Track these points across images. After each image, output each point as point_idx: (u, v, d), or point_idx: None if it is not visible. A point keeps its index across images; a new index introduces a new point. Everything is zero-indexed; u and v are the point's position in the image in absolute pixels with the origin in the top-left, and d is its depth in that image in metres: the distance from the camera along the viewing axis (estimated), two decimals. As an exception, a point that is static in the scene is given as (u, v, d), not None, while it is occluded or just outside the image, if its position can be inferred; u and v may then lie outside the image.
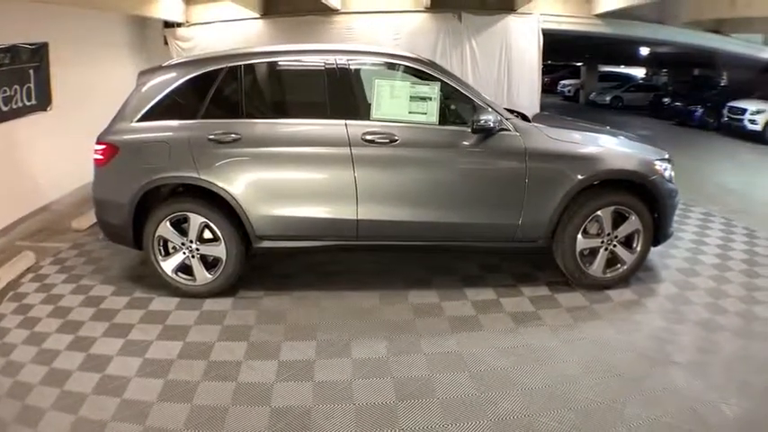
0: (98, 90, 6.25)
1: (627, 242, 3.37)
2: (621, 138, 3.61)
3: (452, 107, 3.42)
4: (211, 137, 3.20)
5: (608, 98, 18.98)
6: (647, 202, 3.30)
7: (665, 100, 15.77)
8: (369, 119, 3.19)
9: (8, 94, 4.79)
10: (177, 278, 3.38)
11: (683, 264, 3.88)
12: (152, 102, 3.30)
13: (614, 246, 3.35)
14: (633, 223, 3.31)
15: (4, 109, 4.74)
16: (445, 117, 3.27)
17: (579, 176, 3.14)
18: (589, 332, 2.94)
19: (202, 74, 3.33)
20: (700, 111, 13.61)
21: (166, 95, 3.30)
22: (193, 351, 2.80)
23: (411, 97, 3.17)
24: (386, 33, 8.32)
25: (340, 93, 3.26)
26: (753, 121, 10.93)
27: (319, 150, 3.22)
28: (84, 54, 5.98)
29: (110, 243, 4.10)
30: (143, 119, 3.29)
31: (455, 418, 2.23)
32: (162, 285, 3.42)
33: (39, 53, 5.16)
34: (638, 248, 3.37)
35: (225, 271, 3.32)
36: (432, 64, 3.51)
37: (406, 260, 3.84)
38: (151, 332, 3.00)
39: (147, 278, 3.59)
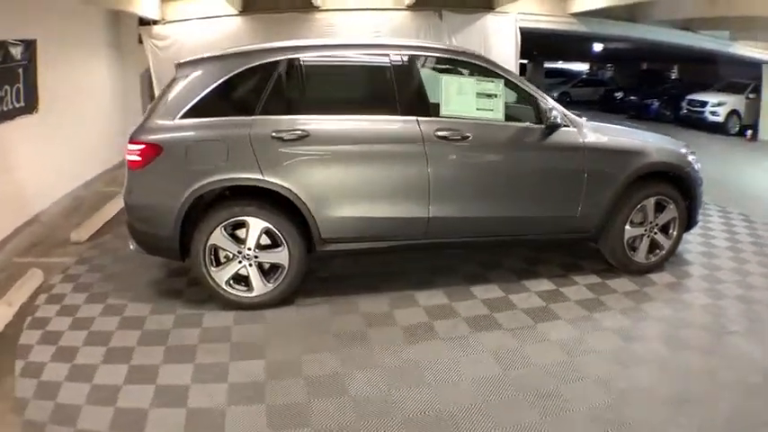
0: (80, 91, 6.18)
1: (663, 229, 3.92)
2: (653, 133, 4.16)
3: (512, 104, 3.66)
4: (275, 134, 3.16)
5: (555, 94, 20.38)
6: (681, 192, 3.86)
7: (618, 94, 17.24)
8: (438, 115, 3.35)
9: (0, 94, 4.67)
10: (232, 290, 3.31)
11: (700, 248, 4.51)
12: (198, 96, 3.18)
13: (655, 233, 3.88)
14: (671, 211, 3.84)
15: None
16: (507, 113, 3.48)
17: (630, 169, 3.62)
18: (652, 312, 3.42)
19: (258, 66, 3.27)
20: (656, 104, 15.06)
21: (216, 89, 3.20)
22: (283, 370, 2.73)
23: (477, 94, 3.39)
24: (367, 31, 8.66)
25: (408, 89, 3.39)
26: (714, 113, 12.30)
27: (392, 148, 3.31)
28: (65, 53, 5.89)
29: (121, 256, 4.15)
30: (188, 115, 3.17)
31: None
32: (204, 300, 3.41)
33: (27, 51, 5.03)
34: (675, 234, 3.93)
35: (287, 278, 3.30)
36: (492, 61, 3.67)
37: (461, 257, 4.18)
38: (221, 353, 2.90)
39: (185, 292, 3.59)
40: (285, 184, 3.16)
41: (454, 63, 3.62)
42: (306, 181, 3.20)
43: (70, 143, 5.89)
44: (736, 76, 13.63)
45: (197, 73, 3.24)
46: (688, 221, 3.97)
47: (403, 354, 2.90)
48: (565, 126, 3.52)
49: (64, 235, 4.79)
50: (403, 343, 3.01)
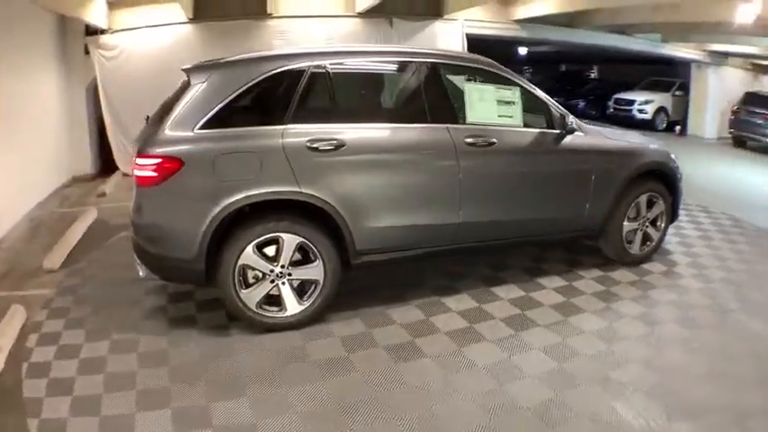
0: (30, 107, 5.82)
1: (653, 223, 4.40)
2: (641, 135, 4.67)
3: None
4: (311, 144, 3.14)
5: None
6: (667, 188, 4.36)
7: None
8: (464, 123, 3.52)
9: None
10: (263, 312, 3.23)
11: (675, 238, 5.09)
12: (219, 104, 3.05)
13: (647, 227, 4.36)
14: (660, 206, 4.34)
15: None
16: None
17: (630, 169, 4.06)
18: (659, 298, 3.86)
19: (284, 72, 3.19)
20: (582, 104, 16.39)
21: (238, 97, 3.10)
22: (352, 405, 2.61)
23: (497, 101, 3.63)
24: (319, 38, 8.78)
25: (435, 96, 3.49)
26: (642, 111, 13.66)
27: (427, 155, 3.41)
28: (12, 65, 5.49)
29: (105, 283, 3.99)
30: (208, 125, 3.03)
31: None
32: (224, 325, 3.35)
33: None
34: (663, 227, 4.44)
35: (321, 294, 3.27)
36: (506, 69, 3.83)
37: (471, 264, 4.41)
38: (276, 383, 2.78)
39: (198, 318, 3.49)
40: (322, 196, 3.14)
41: (473, 71, 3.75)
42: (342, 192, 3.20)
43: (23, 162, 5.51)
44: (659, 74, 15.20)
45: (215, 79, 3.10)
46: (672, 215, 4.49)
47: (463, 356, 3.05)
48: (577, 131, 3.87)
49: (33, 263, 4.49)
50: (458, 345, 3.15)
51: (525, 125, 3.81)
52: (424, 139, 3.42)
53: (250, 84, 3.13)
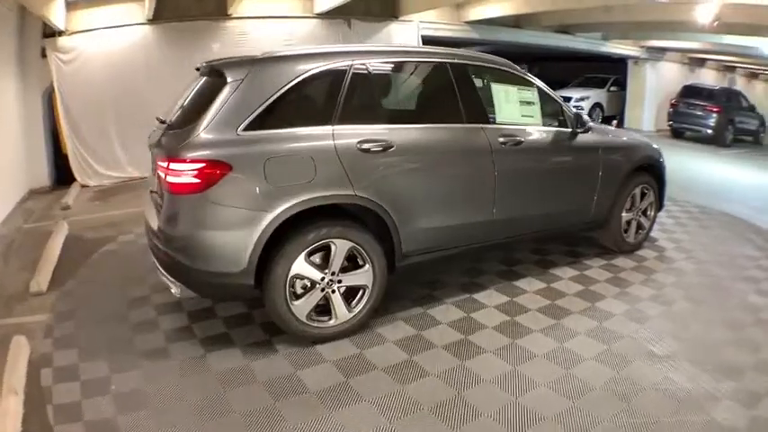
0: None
1: (644, 213, 4.91)
2: (633, 133, 5.18)
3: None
4: (361, 146, 3.16)
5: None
6: (655, 180, 4.89)
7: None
8: (494, 123, 3.74)
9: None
10: (314, 323, 3.20)
11: (655, 227, 5.62)
12: (263, 104, 2.96)
13: (640, 216, 4.86)
14: (650, 197, 4.86)
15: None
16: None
17: (629, 164, 4.54)
18: (663, 280, 4.33)
19: (327, 70, 3.18)
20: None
21: (282, 96, 3.02)
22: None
23: (520, 101, 3.93)
24: (279, 39, 8.83)
25: (468, 97, 3.64)
26: (578, 107, 14.66)
27: (467, 155, 3.59)
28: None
29: (104, 304, 3.85)
30: (253, 126, 2.93)
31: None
32: (265, 341, 3.29)
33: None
34: (652, 216, 4.97)
35: (370, 300, 3.32)
36: (522, 71, 4.07)
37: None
38: (355, 397, 2.77)
39: (234, 336, 3.38)
40: (376, 199, 3.17)
41: (493, 71, 3.96)
42: (392, 194, 3.25)
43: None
44: (594, 71, 16.39)
45: (255, 77, 3.00)
46: (659, 205, 5.04)
47: (520, 347, 3.28)
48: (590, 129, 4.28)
49: (16, 285, 4.25)
50: (510, 338, 3.39)
51: (543, 124, 4.14)
52: (463, 140, 3.60)
53: (293, 82, 3.06)
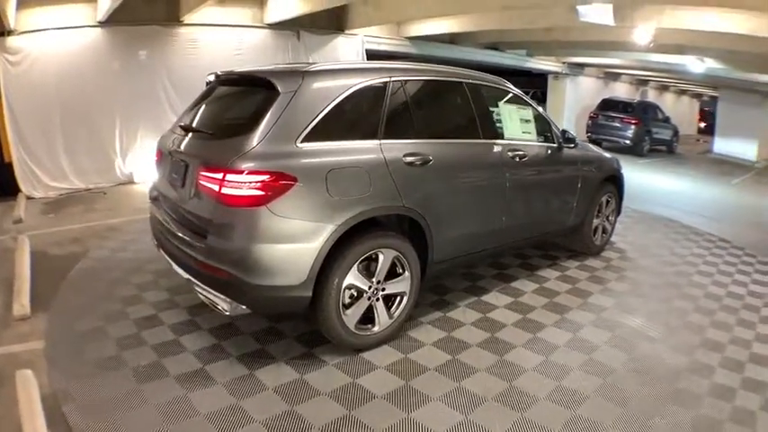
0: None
1: (607, 218, 5.64)
2: (599, 148, 5.94)
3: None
4: (406, 159, 3.39)
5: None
6: (616, 189, 5.63)
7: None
8: (502, 138, 4.16)
9: None
10: (361, 332, 3.34)
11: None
12: (317, 116, 3.07)
13: (605, 221, 5.57)
14: (612, 204, 5.61)
15: None
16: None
17: (601, 174, 5.24)
18: (636, 278, 5.03)
19: (371, 85, 3.36)
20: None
21: (333, 110, 3.14)
22: None
23: (520, 119, 4.45)
24: (229, 47, 8.90)
25: (482, 114, 4.05)
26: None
27: (488, 169, 4.01)
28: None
29: (105, 322, 3.72)
30: (309, 138, 3.02)
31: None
32: (306, 353, 3.34)
33: None
34: (614, 221, 5.72)
35: (407, 306, 3.56)
36: (518, 90, 4.58)
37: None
38: (424, 398, 2.94)
39: (273, 351, 3.39)
40: (419, 210, 3.45)
41: (497, 91, 4.41)
42: (429, 205, 3.53)
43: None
44: (515, 85, 17.58)
45: (308, 89, 3.09)
46: (618, 211, 5.81)
47: (543, 340, 3.72)
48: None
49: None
50: (531, 333, 3.82)
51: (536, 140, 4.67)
52: (484, 154, 4.02)
53: (343, 96, 3.19)
